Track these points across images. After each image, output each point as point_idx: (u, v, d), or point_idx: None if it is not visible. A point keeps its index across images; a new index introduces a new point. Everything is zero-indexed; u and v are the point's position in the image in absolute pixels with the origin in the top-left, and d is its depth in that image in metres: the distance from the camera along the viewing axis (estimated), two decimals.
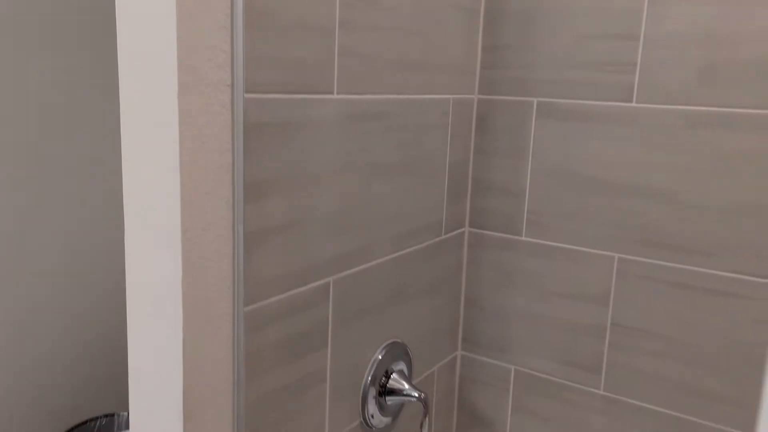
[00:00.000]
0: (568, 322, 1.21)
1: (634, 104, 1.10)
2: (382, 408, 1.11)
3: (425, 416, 1.10)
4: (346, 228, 0.98)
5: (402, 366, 1.15)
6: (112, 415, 1.72)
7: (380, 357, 1.10)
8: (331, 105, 0.90)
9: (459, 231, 1.28)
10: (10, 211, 1.64)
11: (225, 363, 0.82)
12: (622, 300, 1.16)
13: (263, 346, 0.86)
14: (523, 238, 1.24)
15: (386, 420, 1.13)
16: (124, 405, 1.84)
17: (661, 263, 1.11)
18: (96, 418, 1.70)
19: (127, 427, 1.76)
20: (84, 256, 1.78)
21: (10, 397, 1.64)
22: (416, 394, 1.10)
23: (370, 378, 1.08)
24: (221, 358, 0.81)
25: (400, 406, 1.17)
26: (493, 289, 1.29)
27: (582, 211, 1.17)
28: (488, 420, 1.33)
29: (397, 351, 1.14)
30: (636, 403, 1.16)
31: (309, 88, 0.86)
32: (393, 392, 1.11)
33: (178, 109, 0.71)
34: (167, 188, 0.74)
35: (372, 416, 1.09)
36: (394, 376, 1.12)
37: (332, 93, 0.90)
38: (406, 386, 1.10)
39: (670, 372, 1.13)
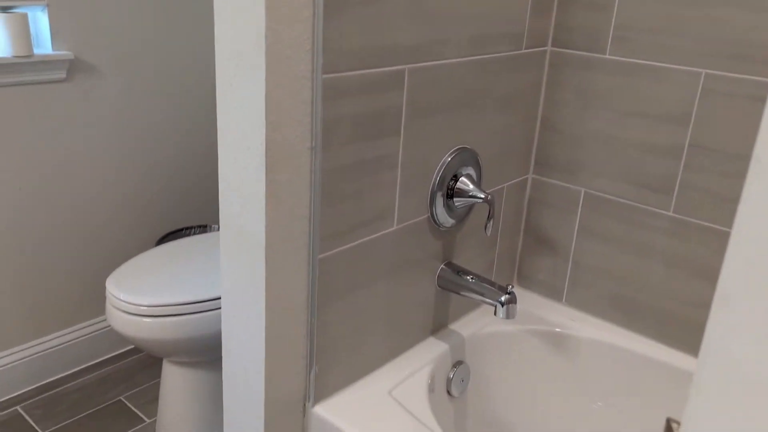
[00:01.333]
0: (645, 143, 1.20)
1: None
2: (449, 209, 1.17)
3: (489, 218, 1.15)
4: (422, 17, 0.99)
5: (471, 171, 1.19)
6: (205, 226, 1.89)
7: (449, 159, 1.14)
8: None
9: (541, 49, 1.26)
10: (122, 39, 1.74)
11: (303, 126, 0.88)
12: (703, 119, 1.13)
13: (340, 117, 0.92)
14: (607, 57, 1.21)
15: (452, 221, 1.19)
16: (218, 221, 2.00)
17: (750, 77, 1.06)
18: (191, 228, 1.88)
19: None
20: (188, 71, 1.89)
21: (119, 204, 1.82)
22: (482, 195, 1.14)
23: (438, 177, 1.13)
24: (300, 120, 0.88)
25: (467, 210, 1.22)
26: (571, 111, 1.28)
27: (673, 25, 1.12)
28: (553, 242, 1.37)
29: (467, 156, 1.17)
30: (704, 224, 1.16)
31: None
32: (460, 194, 1.16)
33: None
34: None
35: (438, 214, 1.15)
36: (462, 179, 1.16)
37: None
38: (472, 187, 1.15)
39: None
